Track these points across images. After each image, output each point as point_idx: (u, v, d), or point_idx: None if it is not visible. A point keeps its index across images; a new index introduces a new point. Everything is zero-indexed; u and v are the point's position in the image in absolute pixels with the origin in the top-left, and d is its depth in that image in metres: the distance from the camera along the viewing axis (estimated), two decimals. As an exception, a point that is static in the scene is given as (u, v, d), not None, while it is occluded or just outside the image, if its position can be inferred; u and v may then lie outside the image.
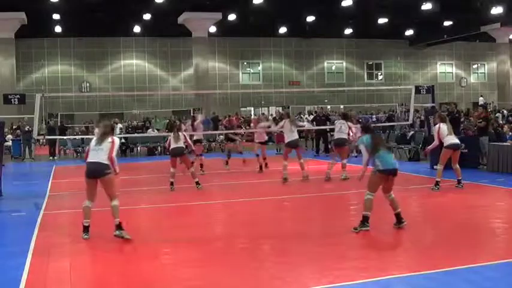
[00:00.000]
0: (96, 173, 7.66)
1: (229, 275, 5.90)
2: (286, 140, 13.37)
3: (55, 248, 7.23)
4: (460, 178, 11.47)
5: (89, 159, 7.81)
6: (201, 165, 15.35)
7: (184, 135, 12.25)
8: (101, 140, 7.84)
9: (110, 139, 7.85)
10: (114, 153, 7.82)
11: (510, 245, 7.03)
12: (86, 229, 7.68)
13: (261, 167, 15.38)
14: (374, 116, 32.13)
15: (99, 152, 7.72)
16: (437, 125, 11.39)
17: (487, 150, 14.65)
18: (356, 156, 17.88)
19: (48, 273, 6.14)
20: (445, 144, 11.24)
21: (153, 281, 5.75)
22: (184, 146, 12.11)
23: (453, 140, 11.20)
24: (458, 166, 11.43)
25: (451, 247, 6.83)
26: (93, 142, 7.95)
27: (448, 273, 5.64)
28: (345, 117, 14.28)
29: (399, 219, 7.90)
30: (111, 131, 8.17)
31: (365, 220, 7.77)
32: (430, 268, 5.81)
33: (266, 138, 16.38)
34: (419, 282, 5.44)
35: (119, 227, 7.60)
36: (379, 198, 10.61)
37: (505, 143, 14.32)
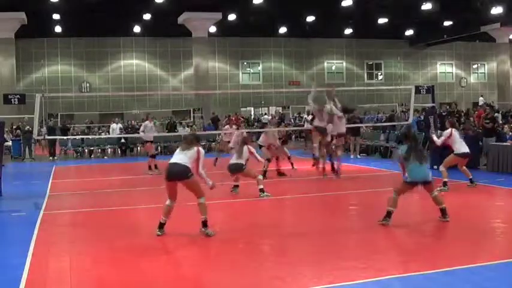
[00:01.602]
0: (177, 175, 7.57)
1: (229, 275, 5.90)
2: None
3: (55, 248, 7.24)
4: (471, 177, 11.55)
5: (171, 160, 7.74)
6: (156, 166, 15.38)
7: (249, 148, 11.25)
8: (186, 148, 7.74)
9: (195, 148, 7.74)
10: (201, 166, 7.71)
11: (510, 245, 7.03)
12: (160, 226, 7.67)
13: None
14: (375, 116, 32.10)
15: (181, 156, 7.65)
16: (448, 130, 11.41)
17: (488, 151, 14.67)
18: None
19: (48, 273, 6.14)
20: (456, 152, 11.27)
21: (153, 281, 5.75)
22: (243, 163, 11.08)
23: (465, 148, 11.28)
24: (465, 167, 11.55)
25: (451, 247, 6.84)
26: (177, 150, 7.87)
27: (448, 273, 5.64)
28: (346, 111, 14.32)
29: (443, 214, 8.36)
30: (195, 141, 7.96)
31: (387, 215, 8.16)
32: (430, 268, 5.81)
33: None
34: (419, 282, 5.44)
35: (204, 224, 7.61)
36: (380, 199, 10.61)
37: (505, 143, 14.32)
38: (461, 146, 11.26)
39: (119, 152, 23.49)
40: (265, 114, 36.82)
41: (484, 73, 46.50)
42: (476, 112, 22.05)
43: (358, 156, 18.99)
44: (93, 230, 8.50)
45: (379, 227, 8.24)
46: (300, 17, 34.71)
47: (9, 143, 22.17)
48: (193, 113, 33.91)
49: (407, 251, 6.85)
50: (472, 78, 46.42)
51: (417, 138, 9.19)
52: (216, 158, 16.19)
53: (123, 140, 23.19)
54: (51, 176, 15.83)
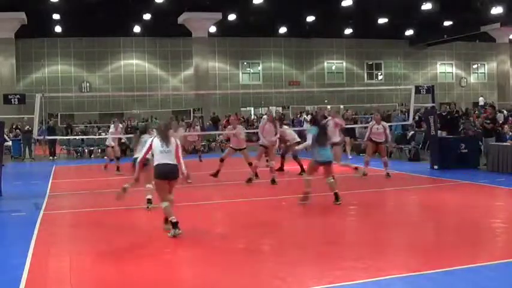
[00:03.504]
0: (171, 174, 7.77)
1: (229, 275, 5.90)
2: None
3: (55, 248, 7.24)
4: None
5: (161, 161, 7.77)
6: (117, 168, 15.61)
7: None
8: (167, 141, 7.85)
9: (173, 140, 7.93)
10: (181, 155, 7.94)
11: (510, 245, 7.03)
12: (175, 225, 7.58)
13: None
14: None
15: (169, 154, 7.79)
16: None
17: (488, 151, 14.68)
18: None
19: (48, 273, 6.15)
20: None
21: (153, 281, 5.75)
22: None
23: None
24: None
25: (451, 247, 6.84)
26: (158, 144, 7.87)
27: (448, 273, 5.64)
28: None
29: (336, 198, 9.79)
30: (169, 128, 8.28)
31: (305, 197, 9.79)
32: (430, 268, 5.81)
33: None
34: (419, 282, 5.44)
35: (168, 221, 7.75)
36: (380, 199, 10.63)
37: (505, 143, 14.32)
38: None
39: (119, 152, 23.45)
40: (265, 114, 36.80)
41: (484, 73, 46.49)
42: (482, 112, 22.02)
43: (350, 156, 19.03)
44: (93, 230, 8.50)
45: (379, 227, 8.24)
46: (300, 17, 34.70)
47: (9, 143, 22.16)
48: (193, 113, 33.90)
49: (407, 251, 6.85)
50: (472, 78, 46.42)
51: (324, 124, 10.65)
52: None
53: (123, 140, 23.15)
54: (51, 176, 15.83)
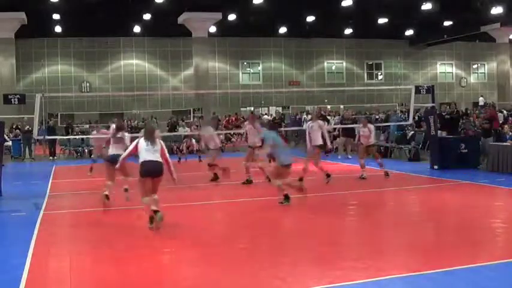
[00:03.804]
0: (155, 171, 8.05)
1: (229, 275, 5.90)
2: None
3: (55, 248, 7.24)
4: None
5: (147, 158, 8.07)
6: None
7: None
8: (153, 141, 8.21)
9: (158, 141, 8.28)
10: (168, 156, 8.30)
11: (510, 245, 7.03)
12: (155, 212, 7.96)
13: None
14: (375, 116, 32.11)
15: (155, 152, 8.13)
16: None
17: (487, 151, 14.68)
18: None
19: (48, 273, 6.15)
20: None
21: (153, 281, 5.75)
22: None
23: None
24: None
25: (451, 247, 6.83)
26: (143, 143, 8.19)
27: (448, 273, 5.64)
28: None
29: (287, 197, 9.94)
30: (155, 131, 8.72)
31: (286, 198, 9.91)
32: (430, 268, 5.81)
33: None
34: (419, 282, 5.44)
35: (156, 212, 7.95)
36: (380, 199, 10.62)
37: (505, 143, 14.32)
38: None
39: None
40: (265, 114, 36.81)
41: (484, 73, 46.48)
42: (479, 112, 22.05)
43: (349, 157, 19.07)
44: (93, 230, 8.50)
45: (379, 227, 8.25)
46: (300, 17, 34.69)
47: (9, 143, 22.17)
48: (194, 113, 33.91)
49: (407, 251, 6.84)
50: (472, 78, 46.42)
51: (277, 127, 10.80)
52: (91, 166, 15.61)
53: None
54: (51, 176, 15.83)
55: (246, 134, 13.94)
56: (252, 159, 13.26)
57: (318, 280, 5.54)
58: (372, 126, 14.12)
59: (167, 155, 8.28)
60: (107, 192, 9.84)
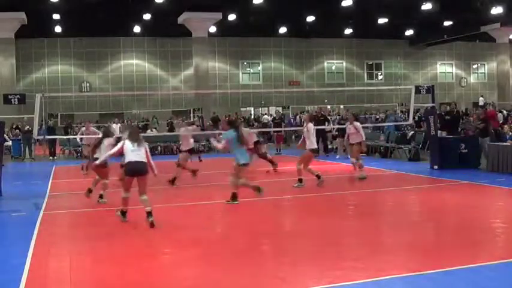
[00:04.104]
0: (139, 171, 8.53)
1: (229, 275, 5.90)
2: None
3: (55, 248, 7.24)
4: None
5: (133, 159, 8.53)
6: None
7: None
8: (139, 143, 8.68)
9: (142, 146, 8.71)
10: (150, 157, 8.75)
11: (510, 245, 7.03)
12: (124, 213, 8.76)
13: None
14: (376, 116, 32.13)
15: (140, 153, 8.58)
16: None
17: (487, 151, 14.68)
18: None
19: (48, 273, 6.15)
20: None
21: (153, 281, 5.75)
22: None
23: None
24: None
25: (451, 247, 6.84)
26: (129, 145, 8.63)
27: (448, 273, 5.64)
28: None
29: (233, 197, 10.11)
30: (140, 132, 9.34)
31: (233, 197, 10.11)
32: (430, 268, 5.81)
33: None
34: (419, 282, 5.44)
35: (149, 214, 8.38)
36: (380, 199, 10.61)
37: (505, 143, 14.32)
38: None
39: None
40: (265, 114, 36.82)
41: (484, 73, 46.49)
42: (474, 114, 22.00)
43: (349, 156, 19.05)
44: (93, 229, 8.49)
45: (379, 227, 8.25)
46: (300, 17, 34.71)
47: (9, 143, 22.16)
48: (193, 113, 33.91)
49: (407, 251, 6.84)
50: (472, 78, 46.42)
51: (240, 126, 10.79)
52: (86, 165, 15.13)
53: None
54: (51, 176, 15.83)
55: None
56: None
57: (318, 280, 5.54)
58: (358, 124, 13.69)
59: (149, 154, 8.77)
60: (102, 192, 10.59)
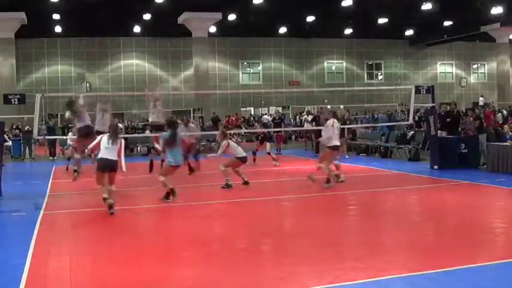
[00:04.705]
0: (109, 167, 9.14)
1: (229, 275, 5.90)
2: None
3: (55, 248, 7.24)
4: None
5: (103, 156, 9.14)
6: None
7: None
8: (115, 139, 9.14)
9: (118, 141, 9.30)
10: (122, 155, 9.30)
11: (510, 245, 7.03)
12: (110, 206, 9.14)
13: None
14: (376, 115, 32.13)
15: (112, 151, 9.15)
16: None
17: (484, 149, 14.68)
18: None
19: (48, 273, 6.15)
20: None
21: (153, 281, 5.75)
22: None
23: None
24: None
25: (451, 247, 6.83)
26: (105, 141, 9.19)
27: (448, 273, 5.64)
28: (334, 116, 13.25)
29: (167, 195, 10.38)
30: (119, 130, 9.71)
31: (167, 195, 10.35)
32: (430, 268, 5.81)
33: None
34: (419, 282, 5.44)
35: (111, 206, 9.08)
36: (380, 199, 10.63)
37: (505, 143, 14.32)
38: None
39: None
40: (265, 114, 36.82)
41: (484, 73, 46.48)
42: (471, 117, 21.98)
43: (346, 156, 19.08)
44: (93, 230, 8.50)
45: (379, 227, 8.25)
46: (300, 17, 34.70)
47: (9, 143, 22.16)
48: (194, 113, 33.90)
49: (407, 251, 6.84)
50: (472, 78, 46.41)
51: (177, 127, 10.96)
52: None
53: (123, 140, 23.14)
54: (51, 176, 15.83)
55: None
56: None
57: (318, 280, 5.54)
58: (330, 122, 12.15)
59: (123, 151, 9.38)
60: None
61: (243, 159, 12.27)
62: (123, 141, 9.57)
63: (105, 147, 9.20)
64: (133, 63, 39.24)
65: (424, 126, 18.33)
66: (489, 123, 17.42)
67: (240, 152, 12.31)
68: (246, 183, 12.30)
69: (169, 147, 10.44)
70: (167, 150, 10.53)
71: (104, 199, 9.14)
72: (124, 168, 9.29)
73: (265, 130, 20.61)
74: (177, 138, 10.48)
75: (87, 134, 11.72)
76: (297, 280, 5.62)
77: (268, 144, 17.95)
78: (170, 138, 10.40)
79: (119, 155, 9.25)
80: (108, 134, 9.50)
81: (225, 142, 12.44)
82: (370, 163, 16.30)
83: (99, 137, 9.62)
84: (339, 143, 12.38)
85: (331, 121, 12.16)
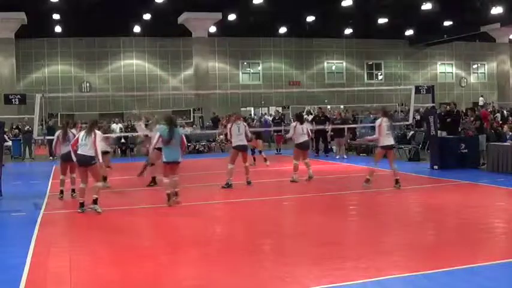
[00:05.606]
0: (84, 162, 9.49)
1: (229, 275, 5.90)
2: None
3: (55, 248, 7.24)
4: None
5: (80, 152, 9.49)
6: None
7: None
8: (89, 135, 9.47)
9: (93, 135, 9.45)
10: (98, 145, 9.42)
11: (510, 245, 7.03)
12: (81, 205, 9.53)
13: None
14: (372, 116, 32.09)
15: (86, 147, 9.43)
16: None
17: (484, 149, 14.68)
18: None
19: (48, 273, 6.14)
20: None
21: (153, 281, 5.75)
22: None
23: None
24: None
25: (451, 247, 6.83)
26: (82, 137, 9.49)
27: (448, 273, 5.64)
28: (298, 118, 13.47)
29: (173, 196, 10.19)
30: (94, 126, 9.74)
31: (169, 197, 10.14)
32: (430, 268, 5.81)
33: None
34: (419, 282, 5.44)
35: (94, 201, 9.42)
36: (380, 199, 10.64)
37: (505, 143, 14.32)
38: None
39: (119, 152, 23.49)
40: (265, 114, 36.81)
41: (484, 73, 46.47)
42: (471, 117, 21.97)
43: (345, 156, 19.13)
44: (93, 230, 8.50)
45: (379, 227, 8.24)
46: (300, 17, 34.69)
47: (9, 143, 22.16)
48: (193, 113, 33.89)
49: (407, 250, 6.84)
50: (472, 78, 46.40)
51: (176, 126, 10.73)
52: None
53: (123, 140, 23.19)
54: (51, 176, 15.81)
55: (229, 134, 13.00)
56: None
57: (318, 280, 5.54)
58: (378, 122, 11.57)
59: (97, 141, 9.43)
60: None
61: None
62: (98, 132, 9.63)
63: (80, 144, 9.52)
64: (133, 63, 39.23)
65: (424, 126, 18.32)
66: (486, 123, 17.40)
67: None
68: (249, 183, 12.39)
69: (165, 144, 10.24)
70: (163, 147, 10.32)
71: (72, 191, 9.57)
72: (100, 158, 9.41)
73: (261, 130, 20.67)
74: (174, 136, 10.14)
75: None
76: (297, 280, 5.62)
77: (260, 142, 18.02)
78: (167, 135, 10.18)
79: (94, 148, 9.39)
80: (84, 130, 9.75)
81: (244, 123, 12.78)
82: (370, 163, 16.25)
83: (78, 134, 9.92)
84: (391, 142, 11.69)
85: (379, 120, 11.54)
